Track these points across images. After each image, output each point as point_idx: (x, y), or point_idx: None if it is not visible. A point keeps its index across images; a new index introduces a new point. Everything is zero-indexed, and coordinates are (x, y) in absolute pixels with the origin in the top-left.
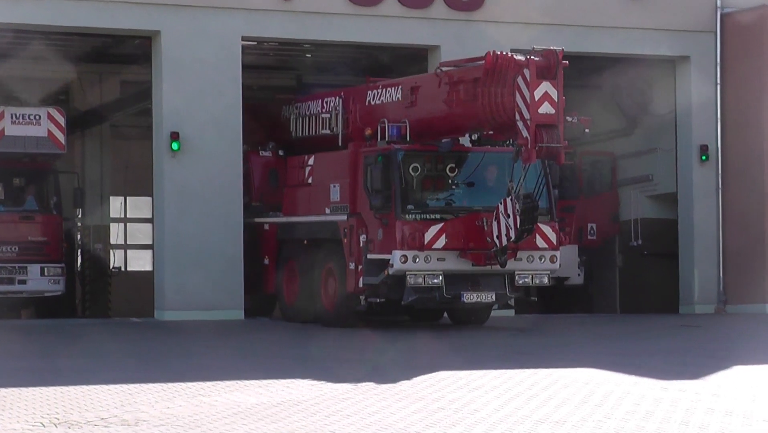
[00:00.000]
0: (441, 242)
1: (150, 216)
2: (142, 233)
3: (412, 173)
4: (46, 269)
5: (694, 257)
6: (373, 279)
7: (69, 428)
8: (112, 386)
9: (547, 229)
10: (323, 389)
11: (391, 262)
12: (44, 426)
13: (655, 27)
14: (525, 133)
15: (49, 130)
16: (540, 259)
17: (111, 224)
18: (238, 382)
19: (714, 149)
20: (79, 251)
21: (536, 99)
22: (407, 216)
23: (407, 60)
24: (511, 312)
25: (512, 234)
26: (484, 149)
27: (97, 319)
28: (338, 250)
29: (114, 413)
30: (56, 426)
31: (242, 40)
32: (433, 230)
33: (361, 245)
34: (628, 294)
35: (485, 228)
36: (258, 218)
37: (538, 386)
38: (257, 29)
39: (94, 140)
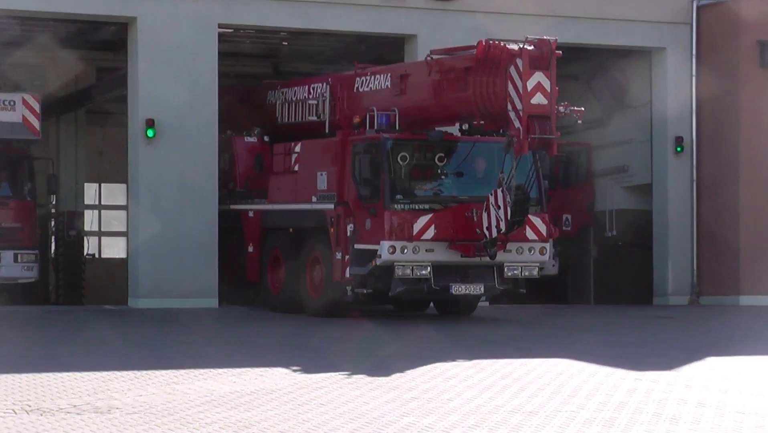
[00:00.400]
0: (430, 232)
1: (125, 203)
2: (116, 220)
3: (401, 162)
4: (19, 255)
5: (668, 249)
6: (361, 269)
7: (41, 415)
8: (84, 374)
9: (537, 220)
10: (297, 378)
11: (379, 252)
12: (16, 413)
13: (631, 18)
14: (517, 123)
15: (24, 116)
16: (530, 251)
17: (85, 211)
18: (212, 370)
19: (689, 141)
20: (53, 237)
21: (529, 89)
22: (396, 206)
23: (386, 49)
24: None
25: (503, 226)
26: (474, 139)
27: (70, 306)
28: (325, 239)
29: (87, 401)
30: (28, 413)
31: (219, 27)
32: (422, 220)
33: (349, 234)
34: (603, 285)
35: (475, 219)
36: (242, 204)
37: (512, 376)
38: (234, 16)
39: (69, 127)
